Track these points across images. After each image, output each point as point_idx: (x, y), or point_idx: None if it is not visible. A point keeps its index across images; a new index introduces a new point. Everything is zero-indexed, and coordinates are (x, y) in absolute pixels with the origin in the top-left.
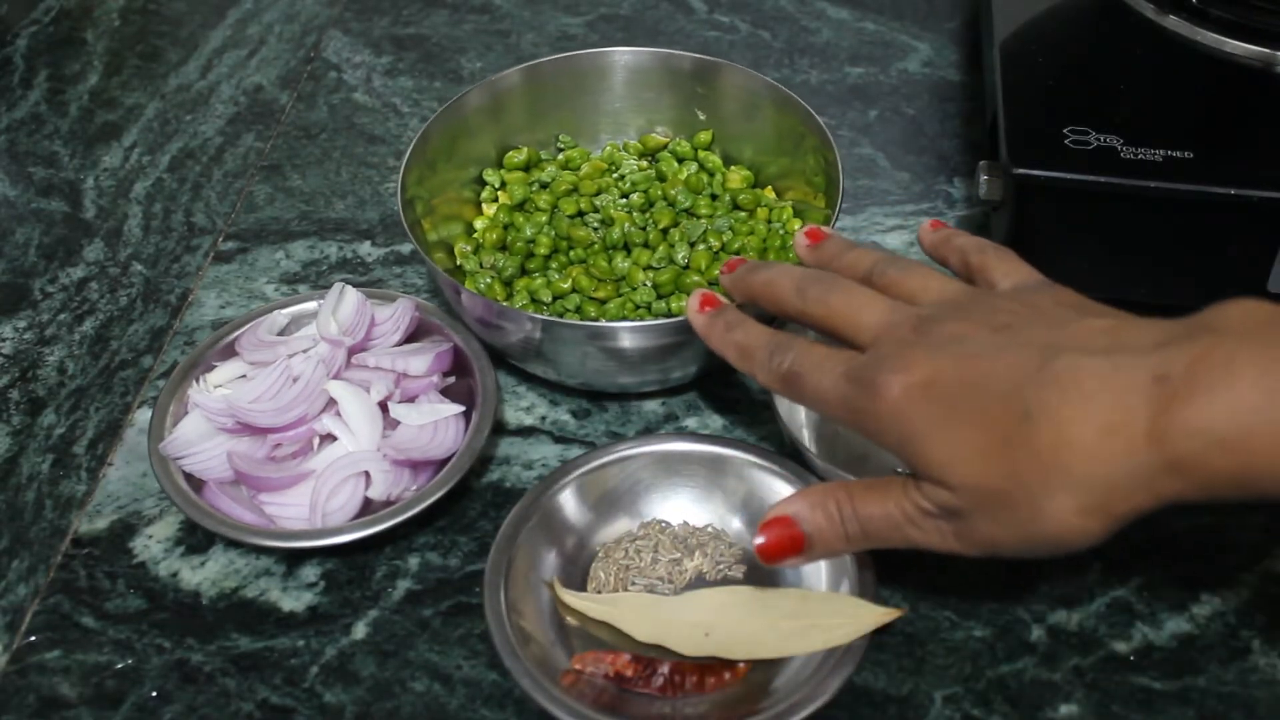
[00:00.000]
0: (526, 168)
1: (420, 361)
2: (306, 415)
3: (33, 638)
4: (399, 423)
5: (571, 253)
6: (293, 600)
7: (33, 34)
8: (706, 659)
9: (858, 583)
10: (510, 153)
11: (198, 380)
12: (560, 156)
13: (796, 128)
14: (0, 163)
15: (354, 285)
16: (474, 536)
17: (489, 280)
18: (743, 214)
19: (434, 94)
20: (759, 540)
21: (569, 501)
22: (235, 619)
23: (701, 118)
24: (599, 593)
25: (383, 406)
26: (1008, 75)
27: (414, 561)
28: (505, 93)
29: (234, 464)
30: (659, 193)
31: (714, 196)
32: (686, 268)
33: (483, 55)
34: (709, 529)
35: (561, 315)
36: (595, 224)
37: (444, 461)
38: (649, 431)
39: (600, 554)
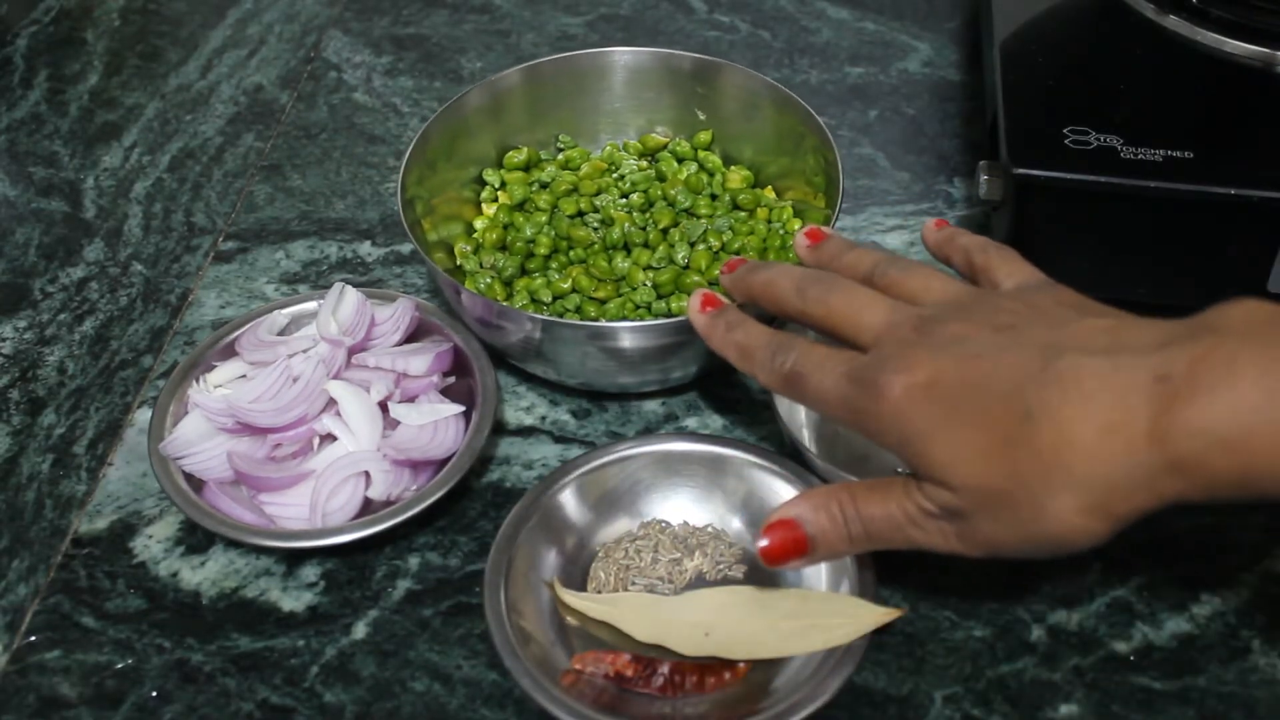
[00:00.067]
0: (526, 168)
1: (420, 361)
2: (306, 415)
3: (33, 638)
4: (399, 423)
5: (571, 253)
6: (293, 600)
7: (33, 34)
8: (706, 659)
9: (858, 583)
10: (510, 153)
11: (198, 380)
12: (560, 156)
13: (796, 128)
14: (0, 163)
15: (354, 285)
16: (474, 536)
17: (489, 280)
18: (743, 214)
19: (434, 94)
20: (762, 543)
21: (569, 501)
22: (235, 619)
23: (701, 118)
24: (599, 593)
25: (383, 406)
26: (1008, 75)
27: (414, 561)
28: (505, 93)
29: (234, 464)
30: (659, 193)
31: (714, 196)
32: (686, 268)
33: (483, 55)
34: (709, 529)
35: (561, 315)
36: (595, 224)
37: (444, 461)
38: (649, 431)
39: (600, 554)
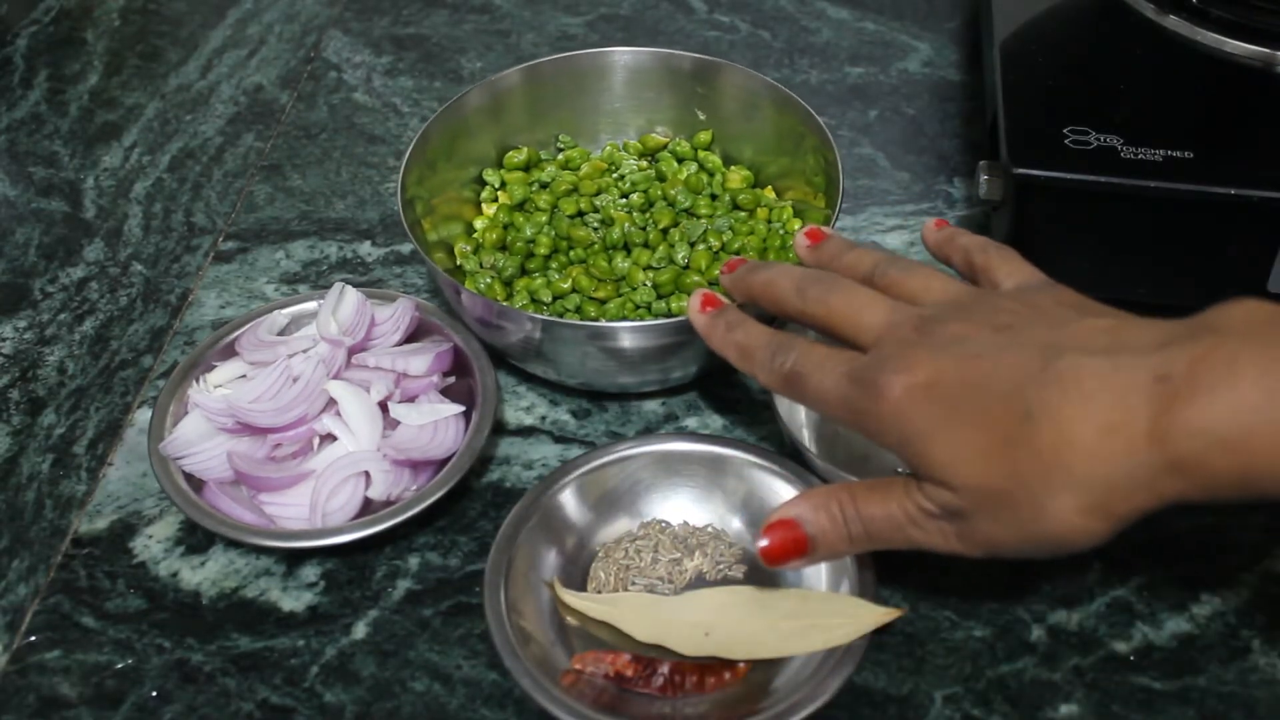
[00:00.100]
0: (526, 168)
1: (420, 361)
2: (306, 415)
3: (33, 638)
4: (399, 423)
5: (571, 253)
6: (293, 600)
7: (33, 34)
8: (706, 659)
9: (858, 583)
10: (510, 153)
11: (198, 380)
12: (560, 156)
13: (796, 128)
14: (0, 163)
15: (354, 285)
16: (474, 536)
17: (489, 280)
18: (743, 214)
19: (434, 94)
20: (762, 543)
21: (569, 501)
22: (235, 619)
23: (701, 118)
24: (599, 593)
25: (383, 406)
26: (1008, 75)
27: (414, 561)
28: (505, 93)
29: (234, 464)
30: (659, 193)
31: (714, 196)
32: (686, 268)
33: (483, 55)
34: (709, 529)
35: (561, 315)
36: (595, 224)
37: (444, 461)
38: (649, 431)
39: (600, 554)
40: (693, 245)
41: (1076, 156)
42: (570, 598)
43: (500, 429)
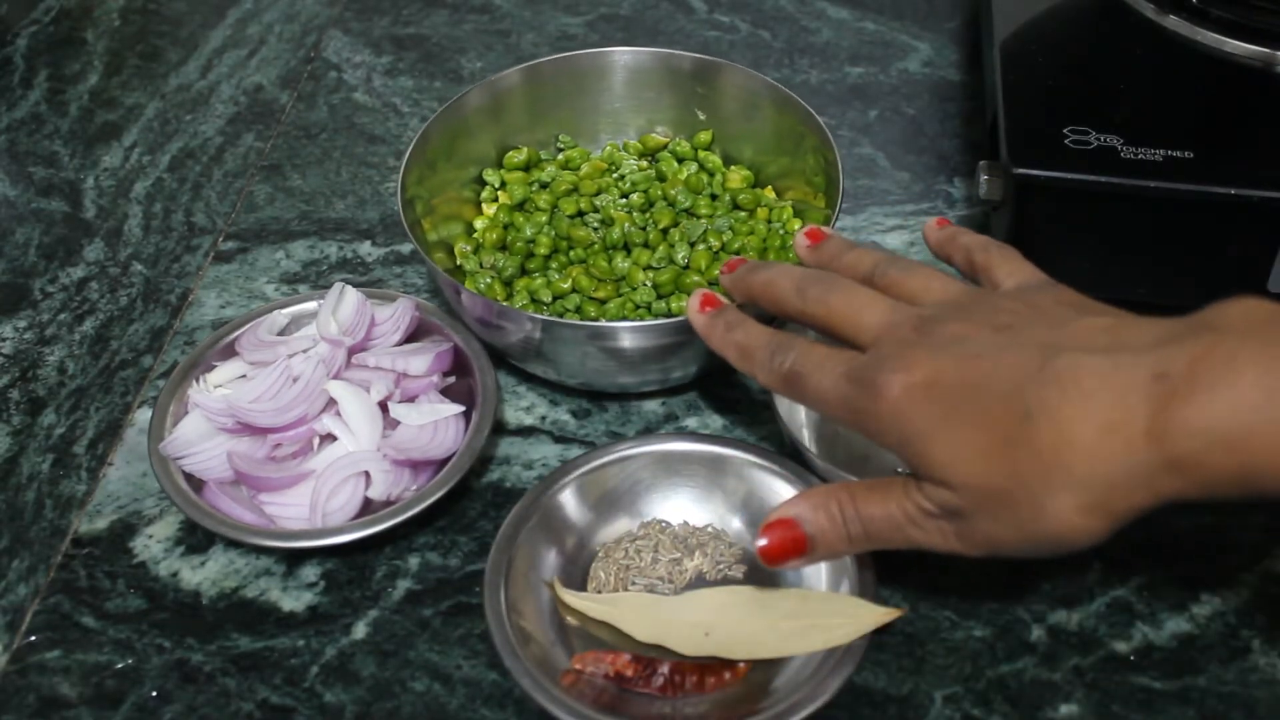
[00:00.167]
0: (526, 168)
1: (420, 361)
2: (306, 415)
3: (33, 638)
4: (399, 423)
5: (571, 253)
6: (293, 600)
7: (33, 34)
8: (706, 659)
9: (858, 583)
10: (510, 153)
11: (198, 380)
12: (560, 156)
13: (796, 128)
14: (0, 163)
15: (354, 285)
16: (474, 536)
17: (489, 280)
18: (743, 214)
19: (434, 94)
20: (761, 542)
21: (569, 501)
22: (235, 619)
23: (701, 118)
24: (599, 593)
25: (383, 406)
26: (1008, 75)
27: (414, 561)
28: (505, 93)
29: (234, 464)
30: (659, 193)
31: (714, 196)
32: (686, 268)
33: (483, 55)
34: (709, 529)
35: (561, 315)
36: (595, 224)
37: (444, 461)
38: (649, 431)
39: (600, 554)
40: (693, 245)
41: (1076, 156)
42: (570, 598)
43: (500, 429)
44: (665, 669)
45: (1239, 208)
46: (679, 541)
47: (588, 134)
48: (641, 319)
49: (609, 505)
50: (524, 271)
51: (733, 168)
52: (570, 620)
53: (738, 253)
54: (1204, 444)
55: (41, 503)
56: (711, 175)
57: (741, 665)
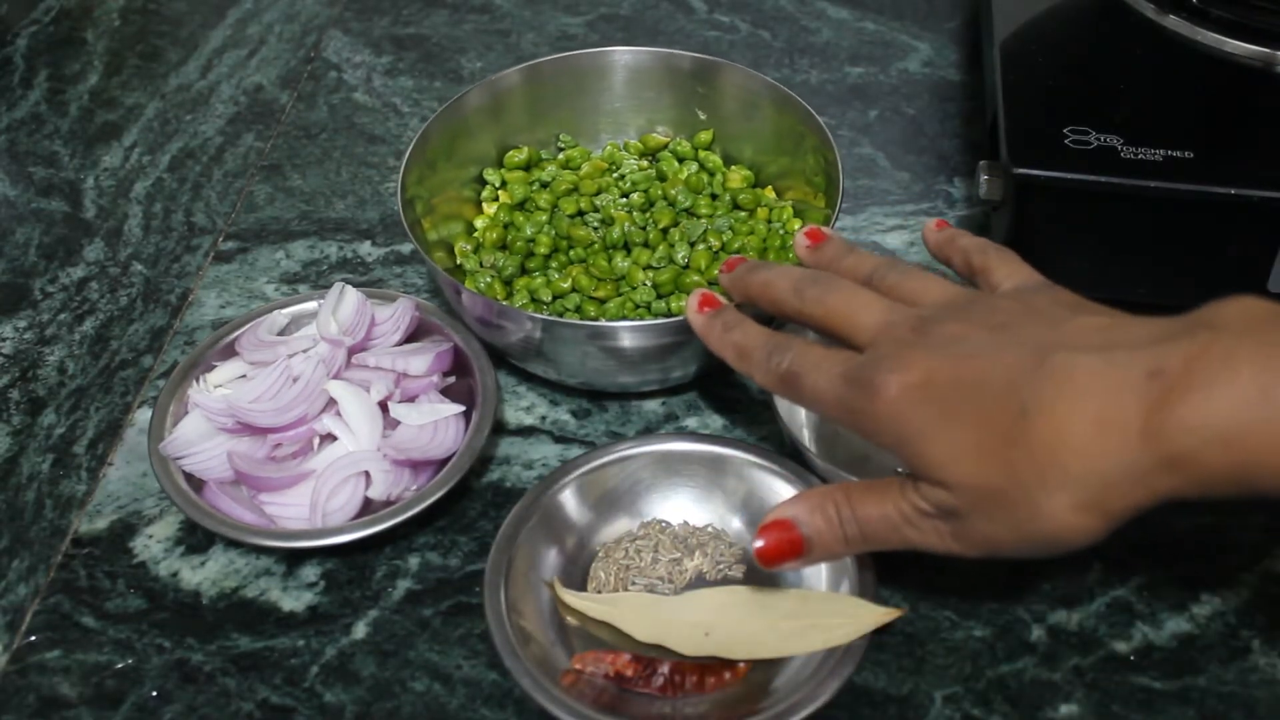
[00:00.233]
0: (527, 167)
1: (420, 361)
2: (306, 415)
3: (33, 637)
4: (399, 423)
5: (571, 252)
6: (293, 600)
7: (33, 34)
8: (706, 659)
9: (858, 583)
10: (511, 152)
11: (198, 380)
12: (560, 156)
13: (796, 127)
14: (0, 163)
15: (354, 285)
16: (474, 536)
17: (489, 280)
18: (743, 214)
19: (434, 94)
20: (758, 544)
21: (569, 501)
22: (235, 619)
23: (702, 117)
24: (599, 592)
25: (383, 406)
26: (1008, 75)
27: (414, 561)
28: (505, 92)
29: (234, 464)
30: (659, 192)
31: (714, 196)
32: (686, 267)
33: (483, 55)
34: (709, 529)
35: (561, 315)
36: (595, 223)
37: (444, 461)
38: (649, 431)
39: (600, 554)
40: (693, 245)
41: (1076, 156)
42: (570, 598)
43: (500, 429)
44: (665, 669)
45: (1239, 208)
46: (679, 541)
47: (588, 134)
48: (641, 319)
49: (609, 505)
50: (524, 271)
51: (733, 167)
52: (570, 620)
53: (738, 253)
54: (1200, 442)
55: (41, 503)
56: (712, 175)
57: (741, 665)
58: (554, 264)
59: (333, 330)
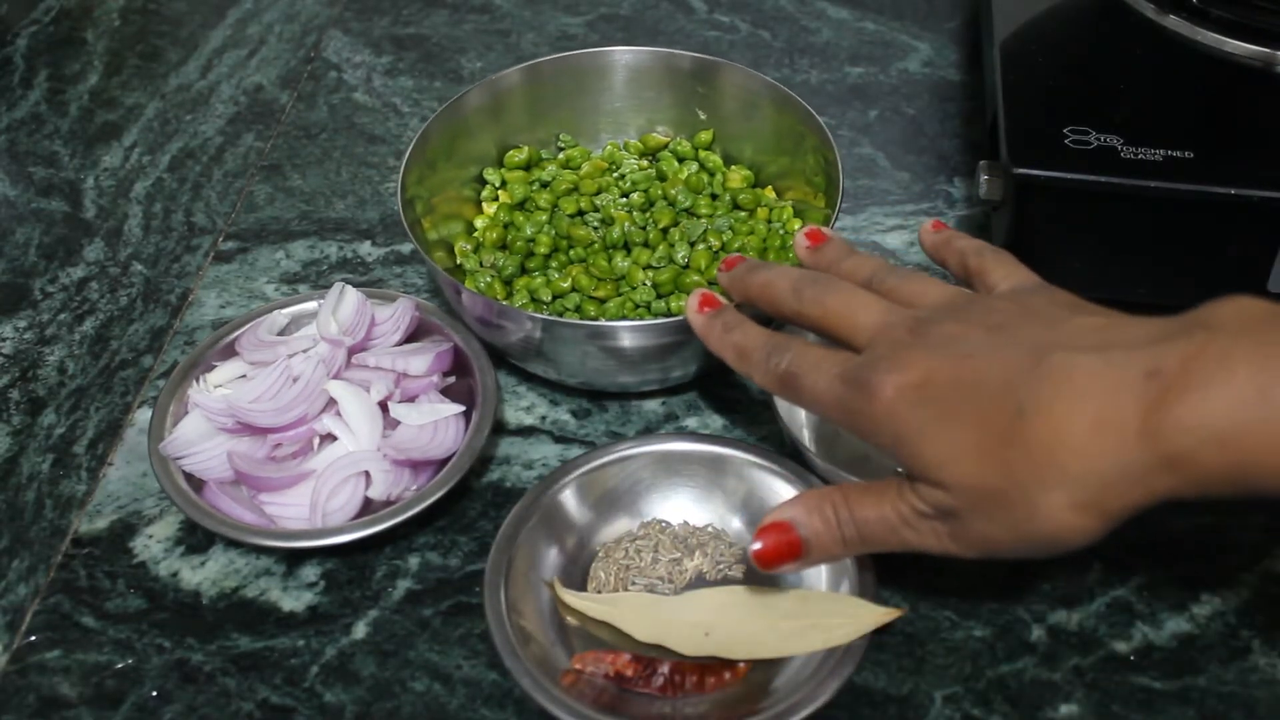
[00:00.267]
0: (527, 167)
1: (420, 361)
2: (306, 415)
3: (33, 637)
4: (399, 423)
5: (571, 252)
6: (293, 600)
7: (33, 34)
8: (706, 659)
9: (858, 583)
10: (511, 152)
11: (198, 380)
12: (561, 156)
13: (796, 127)
14: (0, 163)
15: (354, 285)
16: (474, 536)
17: (489, 279)
18: (743, 214)
19: (434, 94)
20: (755, 546)
21: (569, 501)
22: (235, 619)
23: (702, 117)
24: (599, 592)
25: (383, 406)
26: (1008, 75)
27: (414, 561)
28: (505, 92)
29: (234, 464)
30: (659, 192)
31: (714, 196)
32: (686, 267)
33: (483, 55)
34: (709, 529)
35: (561, 314)
36: (595, 223)
37: (444, 461)
38: (649, 431)
39: (600, 554)
40: (693, 245)
41: (1076, 156)
42: (570, 598)
43: (500, 429)
44: (665, 669)
45: (1239, 208)
46: (679, 541)
47: (588, 133)
48: (641, 318)
49: (609, 505)
50: (524, 271)
51: (733, 167)
52: (570, 620)
53: (738, 253)
54: (1197, 441)
55: (41, 503)
56: (712, 175)
57: (741, 665)
58: (554, 264)
59: (333, 330)
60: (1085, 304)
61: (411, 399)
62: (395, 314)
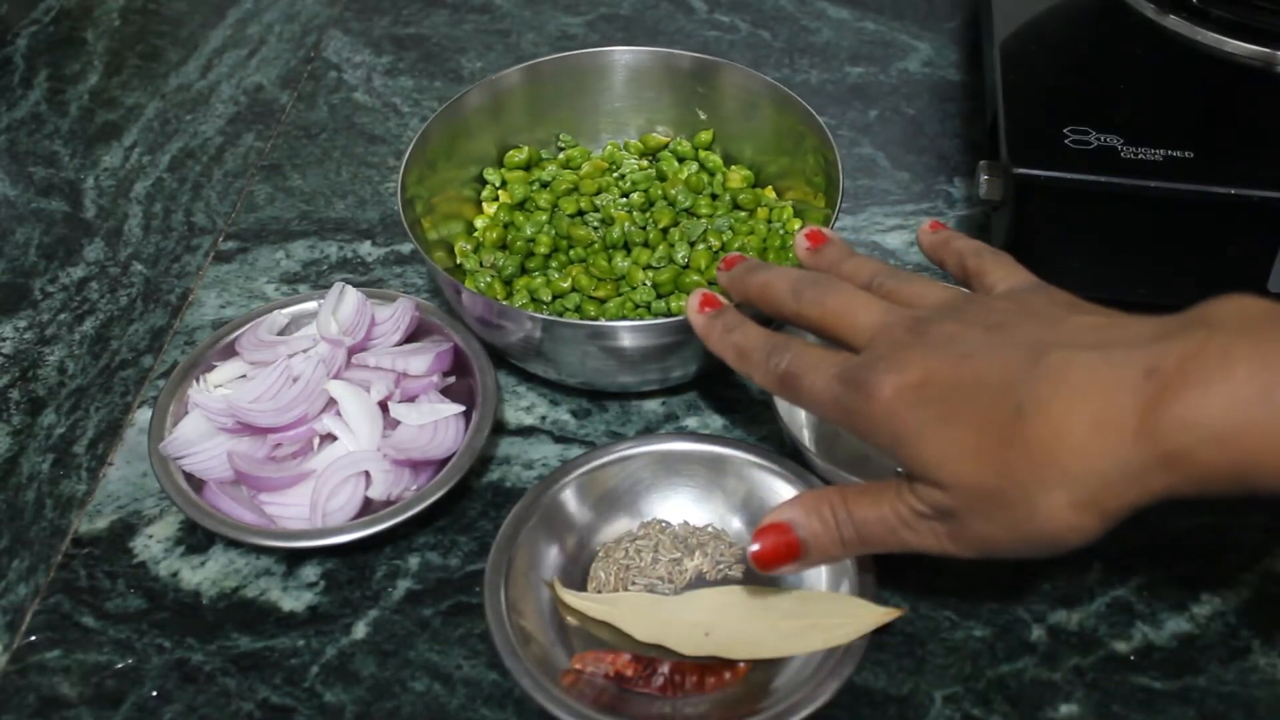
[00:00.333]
0: (527, 167)
1: (420, 361)
2: (306, 415)
3: (33, 637)
4: (399, 422)
5: (571, 252)
6: (293, 600)
7: (33, 34)
8: (706, 659)
9: (858, 583)
10: (511, 152)
11: (198, 380)
12: (561, 156)
13: (796, 127)
14: (0, 163)
15: (354, 285)
16: (474, 536)
17: (489, 279)
18: (743, 214)
19: (434, 94)
20: (754, 547)
21: (569, 501)
22: (235, 619)
23: (702, 117)
24: (599, 592)
25: (383, 406)
26: (1008, 75)
27: (414, 561)
28: (505, 92)
29: (234, 464)
30: (659, 192)
31: (714, 196)
32: (686, 267)
33: (483, 55)
34: (709, 529)
35: (561, 314)
36: (595, 223)
37: (444, 461)
38: (649, 431)
39: (600, 554)
40: (693, 245)
41: (1076, 156)
42: (570, 597)
43: (500, 429)
44: (665, 669)
45: (1239, 208)
46: (679, 541)
47: (588, 133)
48: (641, 318)
49: (609, 505)
50: (524, 271)
51: (733, 167)
52: (570, 620)
53: (738, 253)
54: (1196, 440)
55: (41, 503)
56: (712, 175)
57: (741, 665)
58: (554, 264)
59: (333, 330)
60: (1084, 303)
61: (411, 399)
62: (395, 314)
